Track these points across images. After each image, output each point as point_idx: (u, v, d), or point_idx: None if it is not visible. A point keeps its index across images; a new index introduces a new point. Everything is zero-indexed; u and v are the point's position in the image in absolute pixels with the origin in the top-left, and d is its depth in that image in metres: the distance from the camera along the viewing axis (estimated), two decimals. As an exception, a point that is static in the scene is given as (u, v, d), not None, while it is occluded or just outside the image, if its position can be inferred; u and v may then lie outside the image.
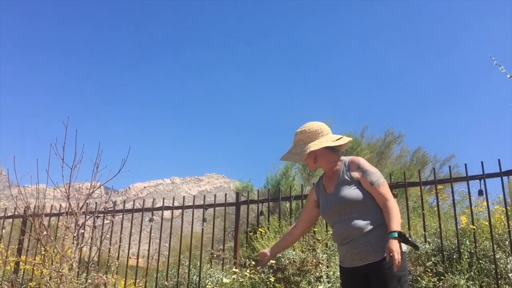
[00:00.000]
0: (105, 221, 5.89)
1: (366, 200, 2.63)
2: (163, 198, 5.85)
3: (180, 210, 6.10)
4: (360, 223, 2.60)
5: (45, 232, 4.02)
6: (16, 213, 6.13)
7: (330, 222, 2.86)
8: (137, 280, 5.24)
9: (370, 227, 2.58)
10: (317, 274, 3.35)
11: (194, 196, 5.91)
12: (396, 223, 2.45)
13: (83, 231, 4.21)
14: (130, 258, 5.99)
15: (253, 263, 3.49)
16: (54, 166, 4.40)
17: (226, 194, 5.64)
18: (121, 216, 5.81)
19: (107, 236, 5.27)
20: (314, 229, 4.01)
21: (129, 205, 6.08)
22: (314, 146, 2.78)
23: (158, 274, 5.43)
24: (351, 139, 2.94)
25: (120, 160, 4.41)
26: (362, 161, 2.74)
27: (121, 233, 5.42)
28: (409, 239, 2.42)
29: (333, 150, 2.84)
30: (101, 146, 4.57)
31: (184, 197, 5.80)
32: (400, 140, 12.68)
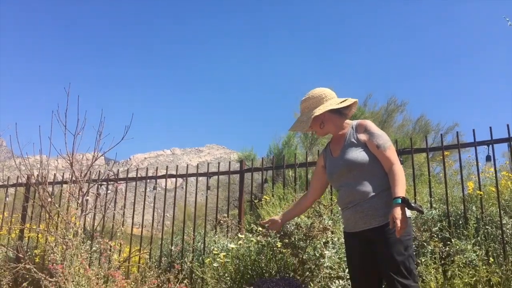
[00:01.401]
0: (108, 191, 5.87)
1: (372, 163, 2.57)
2: (167, 167, 5.82)
3: (182, 181, 6.09)
4: (365, 187, 2.56)
5: (49, 199, 4.00)
6: (19, 182, 6.12)
7: (335, 186, 2.82)
8: (142, 247, 5.26)
9: (375, 192, 2.54)
10: (324, 240, 3.34)
11: (197, 164, 5.87)
12: (401, 188, 2.41)
13: (87, 197, 4.20)
14: (133, 227, 6.01)
15: (260, 228, 3.49)
16: (56, 134, 4.35)
17: (230, 162, 5.61)
18: (124, 184, 5.79)
19: (111, 205, 5.28)
20: (321, 196, 4.00)
21: (131, 175, 6.05)
22: (318, 111, 2.72)
23: (163, 242, 5.45)
24: (357, 100, 2.87)
25: (122, 130, 4.36)
26: (370, 124, 2.68)
27: (124, 202, 5.41)
28: (413, 204, 2.38)
29: (340, 114, 2.77)
30: (104, 113, 4.51)
31: (187, 165, 5.77)
32: (403, 108, 12.61)
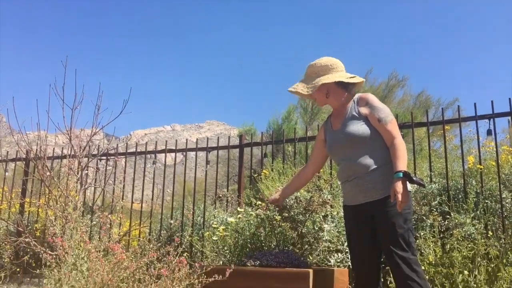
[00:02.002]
0: (108, 167, 5.87)
1: (373, 137, 2.55)
2: (166, 142, 5.80)
3: (182, 157, 6.08)
4: (366, 160, 2.54)
5: (48, 173, 3.99)
6: (18, 157, 6.11)
7: (336, 160, 2.81)
8: (142, 221, 5.28)
9: (376, 165, 2.52)
10: (323, 213, 3.35)
11: (197, 139, 5.85)
12: (402, 162, 2.40)
13: (86, 171, 4.19)
14: (133, 202, 6.03)
15: (259, 202, 3.49)
16: (54, 108, 4.31)
17: (229, 137, 5.59)
18: (124, 159, 5.78)
19: (110, 181, 5.28)
20: (320, 170, 4.00)
21: (131, 151, 6.03)
22: (327, 79, 2.67)
23: (163, 216, 5.48)
24: (364, 80, 2.83)
25: (120, 105, 4.32)
26: (372, 97, 2.65)
27: (124, 176, 5.41)
28: (414, 178, 2.37)
29: (346, 89, 2.73)
30: (102, 87, 4.46)
31: (187, 140, 5.75)
32: (404, 83, 12.53)
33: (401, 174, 2.35)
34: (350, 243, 2.76)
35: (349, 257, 2.87)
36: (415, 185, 2.50)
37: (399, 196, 2.31)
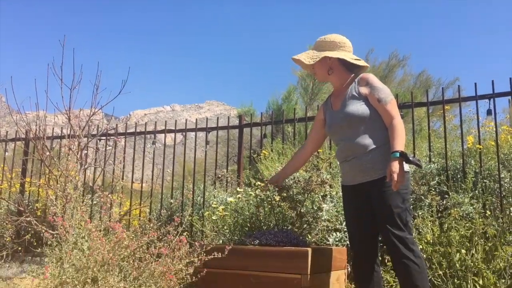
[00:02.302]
0: (108, 148, 5.86)
1: (373, 117, 2.56)
2: (165, 121, 5.79)
3: (182, 138, 6.08)
4: (365, 140, 2.55)
5: (48, 153, 3.99)
6: (18, 137, 6.10)
7: (335, 140, 2.82)
8: (142, 201, 5.31)
9: (375, 145, 2.53)
10: (322, 193, 3.36)
11: (196, 119, 5.83)
12: (400, 142, 2.41)
13: (86, 151, 4.19)
14: (133, 182, 6.05)
15: (259, 183, 3.50)
16: (53, 88, 4.30)
17: (228, 117, 5.58)
18: (123, 139, 5.77)
19: (110, 161, 5.29)
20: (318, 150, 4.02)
21: (130, 131, 6.02)
22: (332, 53, 2.67)
23: (163, 196, 5.50)
24: (368, 66, 2.83)
25: (119, 85, 4.30)
26: (372, 77, 2.64)
27: (124, 155, 5.41)
28: (411, 158, 2.39)
29: (349, 70, 2.72)
30: (100, 67, 4.44)
31: (186, 120, 5.73)
32: (404, 63, 12.45)
33: (397, 154, 2.36)
34: (349, 223, 2.79)
35: (347, 236, 2.90)
36: (413, 165, 2.51)
37: (395, 176, 2.32)
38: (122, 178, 5.21)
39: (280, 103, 9.97)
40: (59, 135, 5.92)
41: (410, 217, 2.51)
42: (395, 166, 2.34)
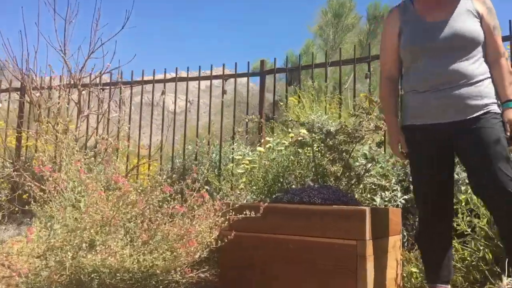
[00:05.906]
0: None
1: (483, 44, 2.02)
2: (176, 68, 5.14)
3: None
4: (471, 67, 1.96)
5: (38, 94, 3.37)
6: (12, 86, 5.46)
7: (413, 60, 2.07)
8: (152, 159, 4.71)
9: (480, 77, 1.97)
10: (378, 139, 2.71)
11: (211, 65, 5.09)
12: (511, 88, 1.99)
13: (83, 91, 3.56)
14: (141, 149, 5.43)
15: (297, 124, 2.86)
16: (45, 22, 3.64)
17: (248, 62, 4.89)
18: (129, 89, 5.13)
19: (114, 111, 4.69)
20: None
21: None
22: None
23: (174, 153, 4.89)
24: None
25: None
26: None
27: (130, 105, 4.78)
28: None
29: None
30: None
31: (199, 66, 5.04)
32: None
33: (511, 104, 1.95)
34: (419, 174, 2.15)
35: (415, 194, 2.25)
36: None
37: None
38: (129, 139, 4.60)
39: (299, 57, 9.21)
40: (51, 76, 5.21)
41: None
42: None
